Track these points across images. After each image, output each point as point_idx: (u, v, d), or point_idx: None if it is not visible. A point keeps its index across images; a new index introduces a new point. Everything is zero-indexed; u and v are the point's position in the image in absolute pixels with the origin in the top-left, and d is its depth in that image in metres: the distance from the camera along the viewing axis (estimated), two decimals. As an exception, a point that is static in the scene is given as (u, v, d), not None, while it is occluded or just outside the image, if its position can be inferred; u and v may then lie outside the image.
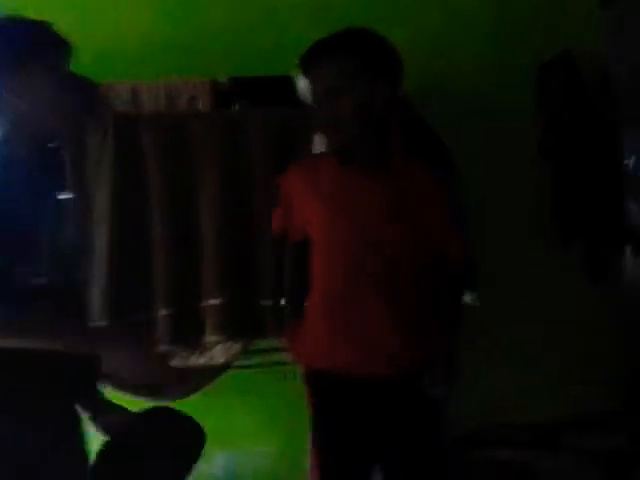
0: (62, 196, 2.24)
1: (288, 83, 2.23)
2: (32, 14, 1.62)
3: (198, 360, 2.44)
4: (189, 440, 1.83)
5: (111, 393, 2.36)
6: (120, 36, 2.65)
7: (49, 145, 2.15)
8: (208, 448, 2.68)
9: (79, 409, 1.74)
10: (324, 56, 1.74)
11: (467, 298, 2.45)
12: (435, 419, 1.89)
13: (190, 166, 2.34)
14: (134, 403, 2.45)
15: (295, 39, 2.57)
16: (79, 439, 1.71)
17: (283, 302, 2.35)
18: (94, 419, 1.81)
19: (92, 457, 1.75)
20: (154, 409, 1.88)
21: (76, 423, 1.71)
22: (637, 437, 2.72)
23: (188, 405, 2.53)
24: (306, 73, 1.79)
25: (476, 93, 2.89)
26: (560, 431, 2.83)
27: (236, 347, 2.48)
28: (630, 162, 2.75)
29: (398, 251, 1.80)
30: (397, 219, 1.80)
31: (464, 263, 1.89)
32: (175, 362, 2.38)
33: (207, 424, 2.71)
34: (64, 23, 2.54)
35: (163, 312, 2.33)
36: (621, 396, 2.93)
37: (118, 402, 2.18)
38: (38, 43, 1.59)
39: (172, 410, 1.86)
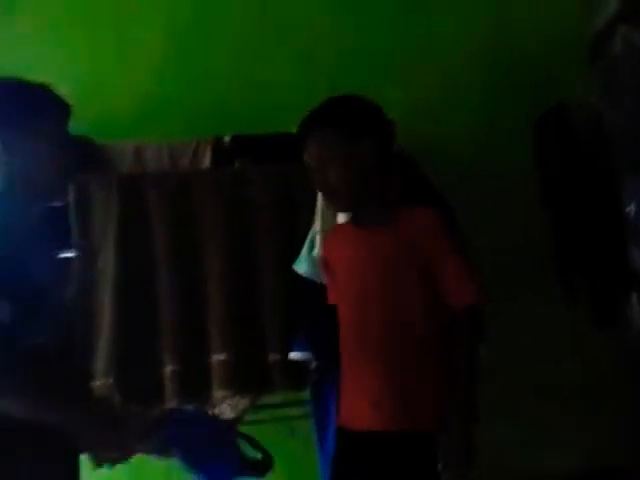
0: (66, 254, 2.30)
1: (288, 140, 2.27)
2: (33, 75, 1.64)
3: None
4: None
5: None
6: (122, 97, 2.73)
7: (53, 204, 2.19)
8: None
9: None
10: (311, 130, 1.84)
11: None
12: None
13: (194, 223, 2.38)
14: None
15: (296, 97, 2.68)
16: None
17: (291, 356, 2.37)
18: None
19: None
20: None
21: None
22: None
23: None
24: (301, 146, 1.88)
25: (473, 151, 2.94)
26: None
27: (244, 402, 2.46)
28: (631, 210, 2.75)
29: (403, 311, 1.80)
30: (400, 274, 1.81)
31: (477, 313, 1.79)
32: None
33: None
34: (66, 84, 2.65)
35: (170, 368, 2.32)
36: (631, 446, 2.86)
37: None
38: (40, 106, 1.61)
39: None
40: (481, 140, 2.96)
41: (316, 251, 2.29)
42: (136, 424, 1.55)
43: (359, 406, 1.83)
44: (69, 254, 2.31)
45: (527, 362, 2.88)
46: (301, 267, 2.35)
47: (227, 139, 2.56)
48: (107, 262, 2.32)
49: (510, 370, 2.82)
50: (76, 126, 2.33)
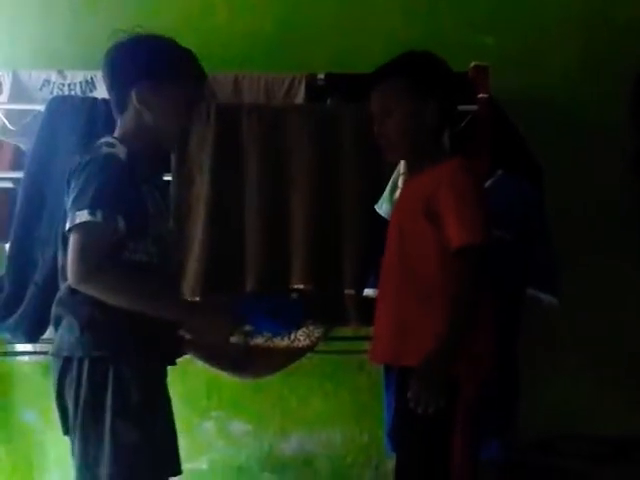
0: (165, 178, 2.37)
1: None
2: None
3: (281, 342, 2.48)
4: None
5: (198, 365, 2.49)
6: (225, 30, 2.78)
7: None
8: (286, 427, 2.81)
9: None
10: (376, 81, 1.89)
11: (550, 303, 2.40)
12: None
13: (285, 156, 2.39)
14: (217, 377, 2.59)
15: (390, 40, 2.66)
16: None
17: (365, 292, 2.40)
18: None
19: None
20: None
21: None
22: None
23: (272, 383, 2.65)
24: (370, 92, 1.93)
25: (567, 104, 2.85)
26: (634, 447, 2.72)
27: (318, 332, 2.50)
28: None
29: (416, 259, 1.83)
30: (417, 219, 1.83)
31: (469, 256, 1.74)
32: (259, 341, 2.43)
33: (286, 405, 2.83)
34: (175, 17, 2.72)
35: (251, 291, 2.39)
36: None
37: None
38: (182, 69, 1.69)
39: None
40: (576, 93, 2.86)
41: (398, 193, 2.29)
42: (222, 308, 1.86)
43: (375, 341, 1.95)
44: (167, 178, 2.38)
45: (601, 326, 2.83)
46: (382, 208, 2.37)
47: (321, 76, 2.56)
48: (201, 188, 2.37)
49: (584, 333, 2.79)
50: None
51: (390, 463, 2.22)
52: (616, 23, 2.89)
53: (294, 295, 2.39)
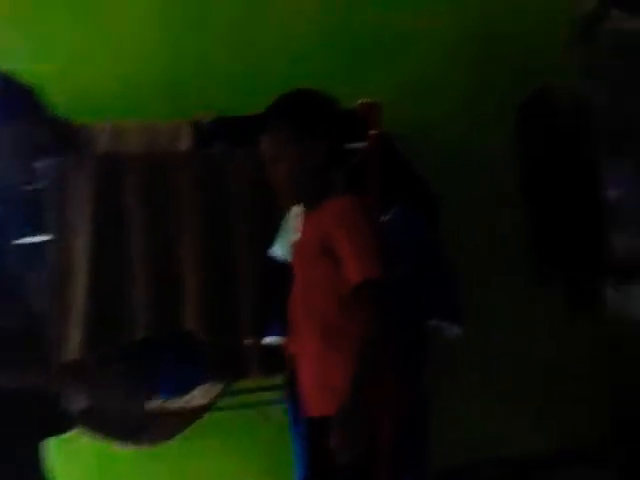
0: (42, 238, 2.15)
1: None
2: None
3: (177, 404, 2.33)
4: None
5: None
6: (103, 77, 2.61)
7: (29, 188, 2.07)
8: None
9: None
10: (262, 126, 1.85)
11: (454, 332, 2.37)
12: None
13: (172, 205, 2.25)
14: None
15: (277, 80, 2.55)
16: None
17: (266, 340, 2.28)
18: None
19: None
20: None
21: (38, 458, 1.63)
22: (624, 470, 2.62)
23: (170, 449, 2.45)
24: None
25: (456, 137, 2.86)
26: (544, 466, 2.73)
27: (217, 388, 2.36)
28: (611, 194, 2.69)
29: (318, 300, 1.78)
30: (315, 260, 1.79)
31: (365, 292, 1.70)
32: (153, 405, 2.24)
33: (189, 468, 2.64)
34: (46, 63, 2.52)
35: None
36: (605, 430, 2.83)
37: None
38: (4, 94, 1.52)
39: None
40: (464, 125, 2.88)
41: (292, 236, 2.19)
42: None
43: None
44: (44, 237, 2.17)
45: (503, 348, 2.83)
46: (277, 251, 2.26)
47: (207, 120, 2.44)
48: (82, 245, 2.18)
49: (487, 357, 2.78)
50: (54, 106, 2.25)
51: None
52: (501, 54, 2.92)
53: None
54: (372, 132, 2.27)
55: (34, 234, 2.12)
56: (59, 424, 2.15)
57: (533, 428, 2.82)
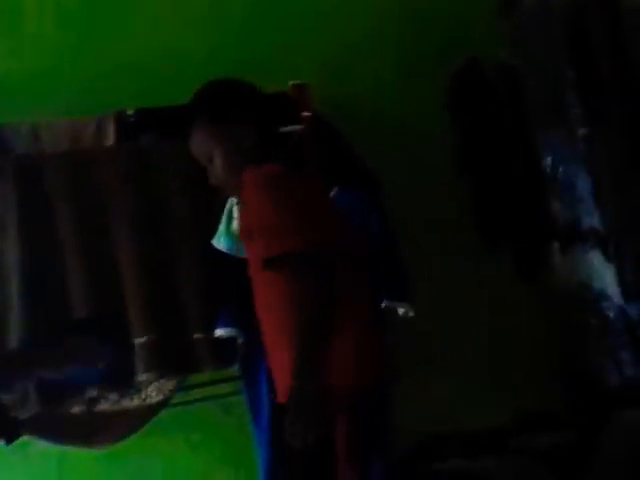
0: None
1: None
2: None
3: (131, 402, 2.28)
4: None
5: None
6: (12, 73, 2.47)
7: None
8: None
9: None
10: (185, 125, 1.80)
11: (402, 309, 2.37)
12: None
13: (101, 203, 2.20)
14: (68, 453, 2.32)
15: (200, 65, 2.51)
16: None
17: (217, 333, 2.24)
18: None
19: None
20: None
21: None
22: (582, 432, 2.65)
23: (131, 448, 2.40)
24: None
25: (388, 110, 2.81)
26: (506, 435, 2.74)
27: (171, 384, 2.32)
28: (547, 162, 2.70)
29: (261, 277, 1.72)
30: (249, 245, 1.75)
31: (278, 265, 1.63)
32: (104, 407, 2.19)
33: (153, 466, 2.59)
34: None
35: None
36: (559, 396, 2.85)
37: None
38: None
39: None
40: (397, 99, 2.83)
41: (235, 224, 2.15)
42: None
43: None
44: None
45: (451, 318, 2.82)
46: (220, 242, 2.22)
47: (131, 112, 2.36)
48: (10, 251, 2.12)
49: (435, 326, 2.75)
50: None
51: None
52: (429, 25, 2.88)
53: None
54: (305, 114, 2.25)
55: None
56: (8, 432, 2.11)
57: (490, 399, 2.80)
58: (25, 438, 2.18)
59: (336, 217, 1.81)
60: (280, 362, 1.70)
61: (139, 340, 2.20)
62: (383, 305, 2.33)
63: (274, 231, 1.60)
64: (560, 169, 2.70)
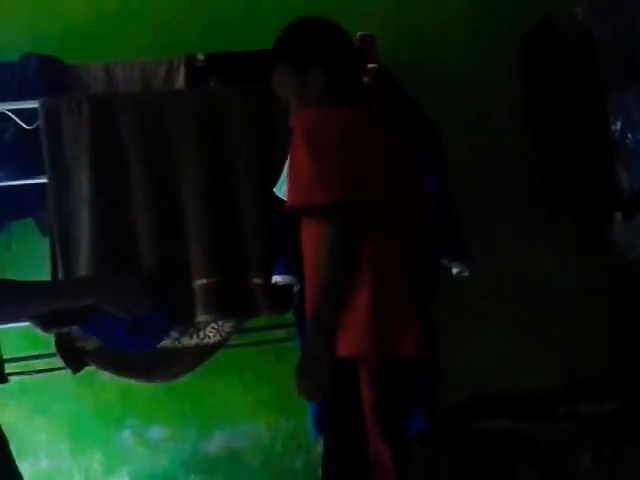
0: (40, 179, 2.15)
1: (265, 56, 2.09)
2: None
3: (190, 340, 2.33)
4: None
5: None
6: (90, 14, 2.51)
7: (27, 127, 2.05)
8: (208, 425, 2.65)
9: None
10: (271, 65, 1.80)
11: (457, 269, 2.33)
12: None
13: (170, 144, 2.20)
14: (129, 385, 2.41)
15: (273, 11, 2.48)
16: None
17: (274, 279, 2.25)
18: None
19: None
20: None
21: None
22: (631, 401, 2.59)
23: (188, 384, 2.48)
24: None
25: (460, 70, 2.74)
26: (555, 399, 2.70)
27: (228, 326, 2.36)
28: (616, 127, 2.60)
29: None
30: None
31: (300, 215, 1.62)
32: (166, 343, 2.25)
33: (205, 403, 2.67)
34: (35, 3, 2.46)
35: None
36: (613, 362, 2.80)
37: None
38: None
39: None
40: (468, 58, 2.76)
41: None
42: None
43: None
44: (42, 179, 2.17)
45: (507, 281, 2.79)
46: (281, 190, 2.21)
47: (201, 57, 2.36)
48: (81, 186, 2.16)
49: (490, 288, 2.73)
50: (42, 46, 2.21)
51: (320, 446, 2.10)
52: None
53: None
54: (371, 66, 2.21)
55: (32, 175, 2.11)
56: (74, 361, 2.19)
57: (540, 362, 2.78)
58: (91, 369, 2.26)
59: (398, 173, 1.72)
60: None
61: (200, 282, 2.22)
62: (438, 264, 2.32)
63: (298, 180, 1.57)
64: (629, 135, 2.60)
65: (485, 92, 2.72)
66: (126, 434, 2.57)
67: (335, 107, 1.67)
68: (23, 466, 1.48)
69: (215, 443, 2.65)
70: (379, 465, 1.58)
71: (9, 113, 2.02)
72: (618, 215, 2.70)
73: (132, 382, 2.34)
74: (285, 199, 2.14)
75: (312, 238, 1.62)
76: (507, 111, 2.77)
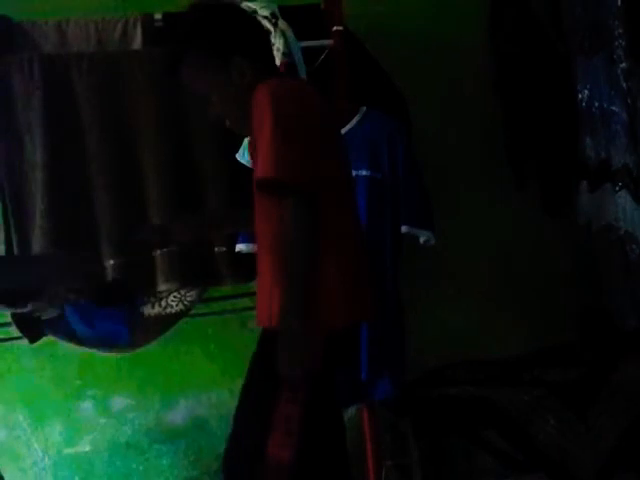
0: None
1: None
2: None
3: (152, 310, 2.26)
4: None
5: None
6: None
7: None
8: (172, 395, 2.59)
9: None
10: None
11: (423, 237, 2.29)
12: None
13: (126, 107, 2.11)
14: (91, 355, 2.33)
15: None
16: None
17: (237, 247, 2.20)
18: None
19: None
20: None
21: None
22: (595, 368, 2.58)
23: (151, 354, 2.41)
24: None
25: (425, 28, 2.64)
26: (521, 366, 2.68)
27: (191, 295, 2.29)
28: (583, 95, 2.54)
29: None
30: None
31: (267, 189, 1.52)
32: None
33: (169, 372, 2.60)
34: None
35: (111, 262, 2.12)
36: (578, 330, 2.77)
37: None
38: None
39: None
40: (433, 17, 2.65)
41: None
42: None
43: None
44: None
45: (474, 248, 2.74)
46: (244, 157, 2.13)
47: (158, 17, 2.23)
48: (34, 151, 2.06)
49: (456, 255, 2.69)
50: None
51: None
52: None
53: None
54: (336, 28, 2.11)
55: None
56: (31, 331, 2.10)
57: (507, 329, 2.75)
58: (50, 339, 2.18)
59: (340, 148, 1.66)
60: (260, 284, 1.63)
61: (160, 251, 2.15)
62: (403, 230, 2.27)
63: (267, 152, 1.46)
64: (596, 104, 2.54)
65: (453, 57, 2.63)
66: (87, 405, 2.49)
67: (293, 80, 1.61)
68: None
69: (179, 412, 2.59)
70: (284, 431, 1.50)
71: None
72: (584, 184, 2.66)
73: (94, 351, 2.26)
74: (248, 165, 2.10)
75: (268, 213, 1.56)
76: (475, 77, 2.69)
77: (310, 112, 1.54)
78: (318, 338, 1.47)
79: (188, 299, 2.29)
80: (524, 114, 2.65)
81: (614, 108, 2.50)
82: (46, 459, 2.44)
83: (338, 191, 1.59)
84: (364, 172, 2.22)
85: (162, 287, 2.19)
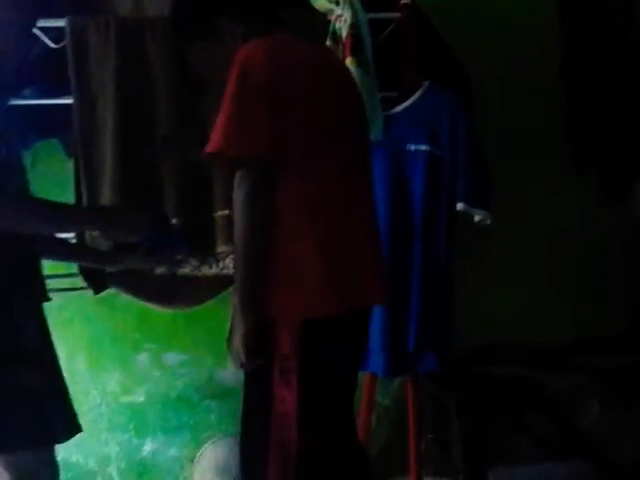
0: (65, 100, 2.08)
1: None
2: None
3: (210, 270, 2.27)
4: None
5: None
6: None
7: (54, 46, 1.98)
8: (224, 355, 2.60)
9: None
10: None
11: (479, 216, 2.26)
12: None
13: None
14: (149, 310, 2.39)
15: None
16: None
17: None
18: None
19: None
20: None
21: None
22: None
23: (207, 312, 2.45)
24: None
25: (492, 10, 2.57)
26: (567, 352, 2.63)
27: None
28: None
29: None
30: None
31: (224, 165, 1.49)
32: (186, 271, 2.21)
33: (223, 332, 2.58)
34: None
35: (174, 221, 2.15)
36: (629, 321, 2.71)
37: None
38: None
39: None
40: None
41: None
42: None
43: None
44: (67, 100, 2.10)
45: (528, 231, 2.70)
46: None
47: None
48: (107, 111, 2.09)
49: (510, 238, 2.64)
50: None
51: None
52: None
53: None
54: (403, 2, 2.08)
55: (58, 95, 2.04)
56: (96, 282, 2.16)
57: (555, 317, 2.70)
58: (112, 291, 2.24)
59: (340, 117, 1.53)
60: None
61: (222, 212, 2.17)
62: (459, 208, 2.24)
63: (222, 124, 1.38)
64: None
65: (521, 36, 2.56)
66: (143, 357, 2.56)
67: (280, 38, 1.47)
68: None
69: (230, 372, 2.63)
70: (281, 412, 1.46)
71: (36, 31, 1.93)
72: (644, 174, 2.58)
73: (152, 307, 2.31)
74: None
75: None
76: (539, 60, 2.61)
77: (290, 76, 1.42)
78: (261, 328, 1.40)
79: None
80: (589, 100, 2.58)
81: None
82: (103, 406, 2.53)
83: (322, 165, 1.46)
84: (423, 147, 2.20)
85: (221, 248, 2.22)
